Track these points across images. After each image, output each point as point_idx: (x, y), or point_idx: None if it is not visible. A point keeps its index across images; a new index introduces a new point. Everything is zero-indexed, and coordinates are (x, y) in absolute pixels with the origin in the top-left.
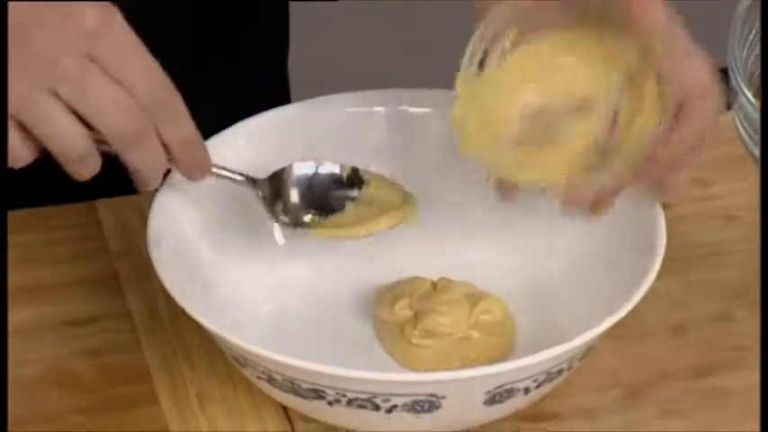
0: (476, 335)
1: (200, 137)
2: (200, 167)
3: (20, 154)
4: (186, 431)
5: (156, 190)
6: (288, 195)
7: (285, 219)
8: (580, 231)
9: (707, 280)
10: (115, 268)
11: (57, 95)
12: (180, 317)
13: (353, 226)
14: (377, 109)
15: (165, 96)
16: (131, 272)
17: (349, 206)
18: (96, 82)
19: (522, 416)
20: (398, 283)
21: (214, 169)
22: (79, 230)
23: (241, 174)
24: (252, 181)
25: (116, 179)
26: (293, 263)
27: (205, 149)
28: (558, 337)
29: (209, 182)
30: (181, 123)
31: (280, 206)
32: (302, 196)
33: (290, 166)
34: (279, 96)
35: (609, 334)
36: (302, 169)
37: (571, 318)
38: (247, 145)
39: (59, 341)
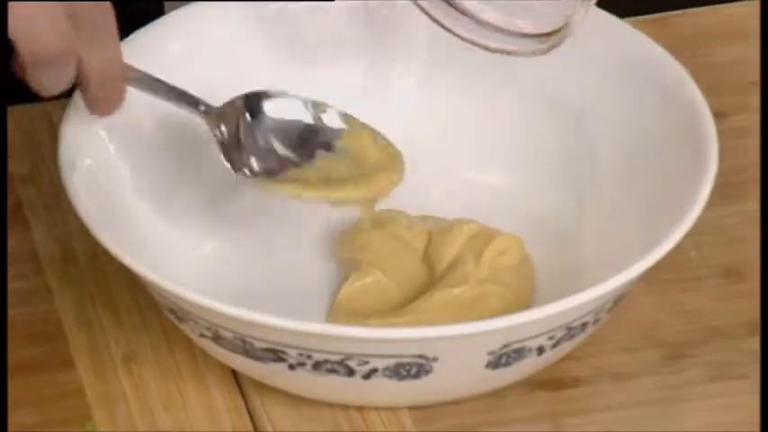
0: (490, 287)
1: (124, 70)
2: (108, 104)
3: None
4: (107, 399)
5: (69, 95)
6: (238, 136)
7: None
8: (609, 147)
9: None
10: (19, 197)
11: None
12: (101, 257)
13: (323, 186)
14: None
15: (102, 16)
16: (39, 201)
17: (319, 159)
18: None
19: (536, 381)
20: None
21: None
22: None
23: (183, 92)
24: (196, 104)
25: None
26: (243, 191)
27: (123, 86)
28: (580, 282)
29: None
30: (110, 51)
31: (228, 147)
32: (255, 141)
33: (242, 99)
34: None
35: (645, 279)
36: (259, 103)
37: (597, 258)
38: (167, 49)
39: None
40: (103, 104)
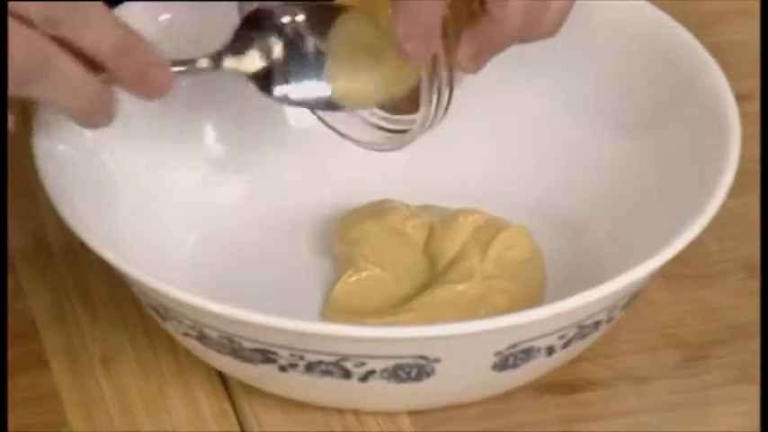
0: (497, 284)
1: (140, 35)
2: (158, 80)
3: None
4: (85, 402)
5: None
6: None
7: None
8: (624, 134)
9: None
10: None
11: None
12: (77, 250)
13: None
14: None
15: None
16: (12, 191)
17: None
18: None
19: (546, 384)
20: (368, 207)
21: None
22: None
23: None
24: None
25: None
26: (231, 178)
27: (154, 50)
28: (594, 277)
29: None
30: (103, 24)
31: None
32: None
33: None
34: None
35: (663, 274)
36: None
37: (612, 252)
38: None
39: None
40: (150, 78)
